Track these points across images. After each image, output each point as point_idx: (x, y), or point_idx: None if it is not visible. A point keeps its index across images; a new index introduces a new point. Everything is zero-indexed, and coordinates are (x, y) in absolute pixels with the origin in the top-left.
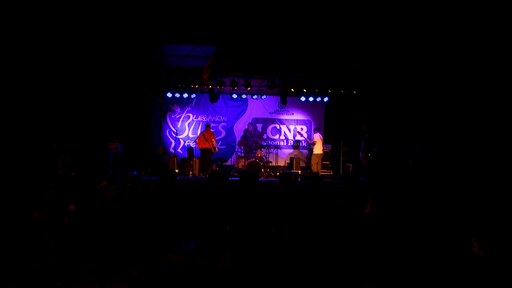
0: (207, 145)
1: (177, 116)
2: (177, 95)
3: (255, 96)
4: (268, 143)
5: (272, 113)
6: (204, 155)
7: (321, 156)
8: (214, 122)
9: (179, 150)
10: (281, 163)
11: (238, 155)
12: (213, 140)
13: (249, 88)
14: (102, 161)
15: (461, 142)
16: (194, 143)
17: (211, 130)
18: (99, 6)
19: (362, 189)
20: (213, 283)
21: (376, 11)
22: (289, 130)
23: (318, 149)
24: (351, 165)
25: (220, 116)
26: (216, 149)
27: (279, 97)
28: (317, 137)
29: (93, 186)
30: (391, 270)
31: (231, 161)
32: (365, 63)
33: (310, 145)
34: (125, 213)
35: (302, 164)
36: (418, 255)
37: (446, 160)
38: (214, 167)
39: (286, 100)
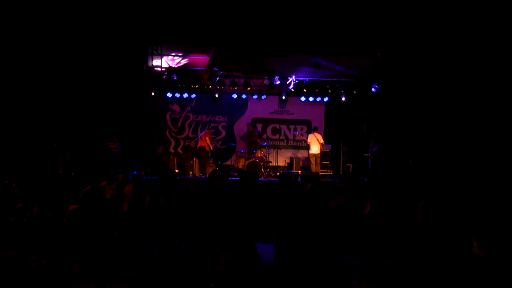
0: (201, 143)
1: (177, 116)
2: (177, 95)
3: (255, 96)
4: (268, 143)
5: (272, 113)
6: (199, 152)
7: (318, 156)
8: (214, 122)
9: (179, 150)
10: (281, 163)
11: (238, 155)
12: (207, 138)
13: (249, 88)
14: (102, 161)
15: (461, 142)
16: (194, 143)
17: (210, 129)
18: (99, 6)
19: (362, 189)
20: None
21: (376, 11)
22: (289, 130)
23: (313, 149)
24: (351, 165)
25: (220, 116)
26: (211, 147)
27: (279, 97)
28: (312, 137)
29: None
30: (391, 270)
31: (231, 161)
32: (365, 63)
33: (308, 144)
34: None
35: (302, 164)
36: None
37: (446, 160)
38: (214, 167)
39: (286, 100)
